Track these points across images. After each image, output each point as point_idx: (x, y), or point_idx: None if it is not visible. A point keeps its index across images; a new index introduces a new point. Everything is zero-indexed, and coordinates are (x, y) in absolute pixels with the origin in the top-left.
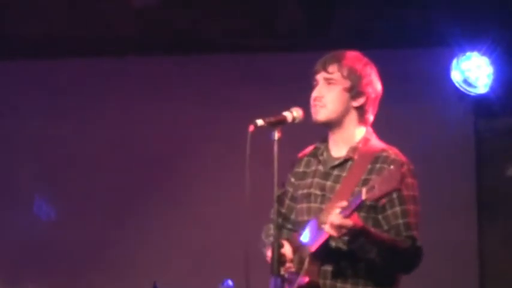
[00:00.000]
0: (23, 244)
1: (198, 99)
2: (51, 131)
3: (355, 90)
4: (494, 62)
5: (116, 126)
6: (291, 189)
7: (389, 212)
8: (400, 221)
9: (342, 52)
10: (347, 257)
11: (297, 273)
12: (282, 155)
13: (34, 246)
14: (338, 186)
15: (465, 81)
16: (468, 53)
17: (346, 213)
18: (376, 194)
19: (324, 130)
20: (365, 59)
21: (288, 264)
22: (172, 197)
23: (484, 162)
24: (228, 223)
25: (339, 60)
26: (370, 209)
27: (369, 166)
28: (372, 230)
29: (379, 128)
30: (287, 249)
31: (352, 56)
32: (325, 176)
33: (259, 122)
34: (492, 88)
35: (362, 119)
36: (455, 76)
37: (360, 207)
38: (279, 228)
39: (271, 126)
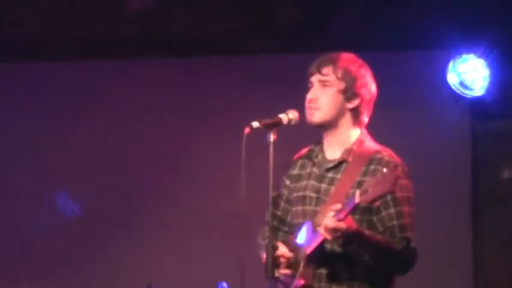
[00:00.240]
0: (18, 244)
1: (197, 100)
2: (50, 132)
3: (349, 92)
4: (490, 65)
5: (115, 127)
6: (286, 192)
7: (384, 213)
8: (395, 222)
9: (337, 54)
10: (342, 259)
11: (293, 276)
12: (278, 157)
13: (30, 247)
14: (333, 189)
15: (461, 83)
16: (464, 56)
17: (340, 216)
18: (369, 197)
19: (319, 132)
20: (359, 61)
21: (283, 266)
22: (168, 198)
23: (480, 164)
24: (223, 225)
25: (333, 62)
26: (365, 211)
27: (364, 168)
28: (366, 232)
29: (376, 130)
30: (284, 251)
31: (347, 57)
32: (320, 178)
33: (255, 124)
34: (488, 90)
35: (357, 121)
36: (452, 78)
37: (353, 210)
38: (275, 230)
39: (266, 128)
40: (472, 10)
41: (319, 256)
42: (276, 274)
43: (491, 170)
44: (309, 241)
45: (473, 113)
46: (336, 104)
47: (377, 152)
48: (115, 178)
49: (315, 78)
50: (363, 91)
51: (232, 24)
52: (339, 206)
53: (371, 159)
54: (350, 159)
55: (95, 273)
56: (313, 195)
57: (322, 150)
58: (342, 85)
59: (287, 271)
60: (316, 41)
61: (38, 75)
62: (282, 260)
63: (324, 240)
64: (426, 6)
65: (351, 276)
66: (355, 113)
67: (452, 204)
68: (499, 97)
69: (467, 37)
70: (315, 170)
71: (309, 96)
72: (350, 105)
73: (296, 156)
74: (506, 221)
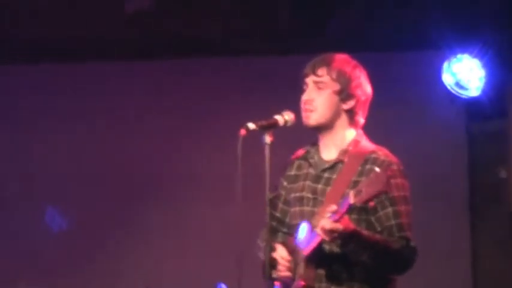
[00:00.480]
0: (18, 245)
1: (197, 101)
2: (50, 133)
3: (344, 93)
4: (485, 65)
5: (114, 128)
6: (283, 193)
7: (381, 213)
8: (393, 222)
9: (331, 55)
10: (341, 260)
11: (293, 277)
12: (274, 158)
13: (29, 247)
14: (329, 189)
15: (457, 83)
16: (459, 56)
17: (336, 217)
18: (363, 197)
19: (316, 133)
20: (354, 62)
21: (283, 269)
22: (167, 199)
23: (476, 164)
24: (221, 227)
25: (328, 64)
26: (362, 211)
27: (359, 168)
28: (364, 232)
29: (371, 130)
30: (282, 252)
31: (341, 58)
32: (316, 179)
33: (251, 125)
34: (484, 91)
35: (352, 122)
36: (447, 79)
37: (349, 210)
38: (274, 232)
39: (262, 129)
40: (467, 10)
41: (318, 257)
42: (274, 275)
43: (487, 170)
44: (307, 242)
45: (469, 113)
46: (331, 105)
47: (372, 151)
48: (115, 179)
49: (309, 80)
50: (358, 92)
51: (232, 24)
52: (334, 207)
53: (366, 159)
54: (346, 160)
55: (94, 274)
56: (310, 196)
57: (318, 151)
58: (336, 86)
59: (287, 273)
60: (315, 42)
61: (38, 77)
62: (281, 262)
63: (323, 241)
64: (421, 6)
65: (350, 277)
66: (351, 114)
67: (449, 204)
68: (494, 97)
69: (463, 37)
70: (311, 170)
71: (304, 97)
72: (345, 106)
73: (293, 157)
74: (502, 221)
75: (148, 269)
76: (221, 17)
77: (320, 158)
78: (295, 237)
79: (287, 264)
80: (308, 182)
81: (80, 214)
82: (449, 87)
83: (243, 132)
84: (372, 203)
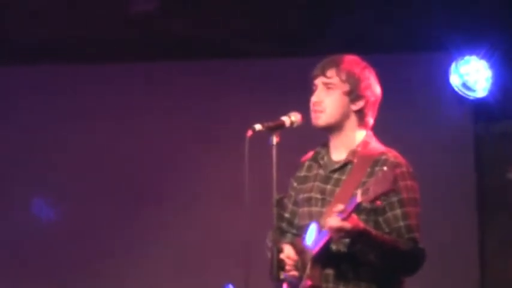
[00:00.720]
0: (18, 248)
1: (198, 104)
2: (51, 133)
3: (354, 94)
4: (492, 66)
5: (116, 130)
6: (293, 194)
7: (389, 214)
8: (402, 223)
9: (340, 56)
10: (348, 260)
11: (300, 277)
12: (282, 159)
13: (28, 248)
14: (338, 190)
15: (464, 85)
16: (467, 57)
17: (343, 216)
18: (370, 196)
19: (324, 134)
20: (363, 63)
21: (290, 269)
22: (172, 200)
23: (483, 165)
24: (228, 228)
25: (337, 65)
26: (370, 211)
27: (369, 169)
28: (373, 231)
29: (378, 131)
30: (290, 252)
31: (351, 59)
32: (326, 179)
33: (258, 126)
34: (491, 92)
35: (362, 123)
36: (454, 80)
37: (356, 209)
38: (283, 233)
39: (269, 131)
40: (474, 12)
41: (326, 256)
42: (281, 276)
43: (494, 171)
44: (315, 242)
45: (476, 115)
46: (340, 106)
47: (382, 153)
48: (115, 179)
49: (319, 81)
50: (367, 93)
51: (233, 26)
52: (341, 206)
53: (376, 161)
54: (355, 161)
55: (97, 276)
56: (319, 196)
57: (328, 152)
58: (346, 87)
59: (294, 273)
60: (319, 44)
61: (38, 77)
62: (288, 262)
63: (330, 241)
64: (428, 8)
65: (357, 277)
66: (360, 114)
67: (456, 205)
68: (501, 98)
69: (470, 39)
70: (321, 171)
71: (313, 99)
72: (355, 107)
73: (303, 158)
74: (510, 222)
75: (154, 271)
76: (222, 18)
77: (330, 159)
78: (303, 238)
79: (294, 263)
80: (317, 183)
81: (81, 215)
82: (456, 89)
83: (249, 133)
84: (379, 202)
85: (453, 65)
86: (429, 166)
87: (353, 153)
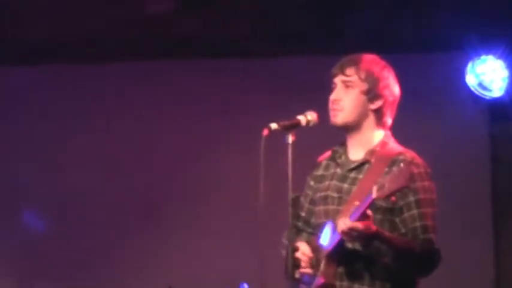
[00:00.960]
0: (31, 245)
1: (209, 104)
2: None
3: (372, 93)
4: (509, 66)
5: (126, 132)
6: (310, 192)
7: (406, 215)
8: (418, 224)
9: (360, 55)
10: (362, 259)
11: (314, 275)
12: (298, 158)
13: (47, 247)
14: (354, 188)
15: (480, 84)
16: (483, 57)
17: (357, 214)
18: (386, 192)
19: (340, 134)
20: (382, 62)
21: (304, 265)
22: (188, 200)
23: (499, 165)
24: (244, 227)
25: (356, 63)
26: (386, 211)
27: (386, 169)
28: (387, 234)
29: (394, 131)
30: (305, 250)
31: (370, 59)
32: (343, 178)
33: (274, 125)
34: (507, 91)
35: (380, 122)
36: (470, 80)
37: (372, 207)
38: (299, 232)
39: (285, 130)
40: (490, 11)
41: (340, 255)
42: (296, 275)
43: (510, 171)
44: (330, 241)
45: (492, 114)
46: (358, 105)
47: (400, 153)
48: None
49: (338, 79)
50: (386, 92)
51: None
52: (356, 202)
53: (394, 161)
54: (373, 160)
55: (115, 274)
56: (335, 195)
57: (345, 151)
58: (364, 86)
59: (308, 270)
60: (335, 43)
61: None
62: (303, 258)
63: (344, 240)
64: (444, 7)
65: (372, 276)
66: (378, 114)
67: (472, 205)
68: None
69: (486, 38)
70: (338, 170)
71: (332, 97)
72: (373, 107)
73: (320, 158)
74: None
75: (171, 269)
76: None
77: (347, 158)
78: (319, 237)
79: (309, 260)
80: (334, 181)
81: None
82: (472, 88)
83: (265, 132)
84: (393, 198)
85: (469, 65)
86: (445, 165)
87: (371, 152)
